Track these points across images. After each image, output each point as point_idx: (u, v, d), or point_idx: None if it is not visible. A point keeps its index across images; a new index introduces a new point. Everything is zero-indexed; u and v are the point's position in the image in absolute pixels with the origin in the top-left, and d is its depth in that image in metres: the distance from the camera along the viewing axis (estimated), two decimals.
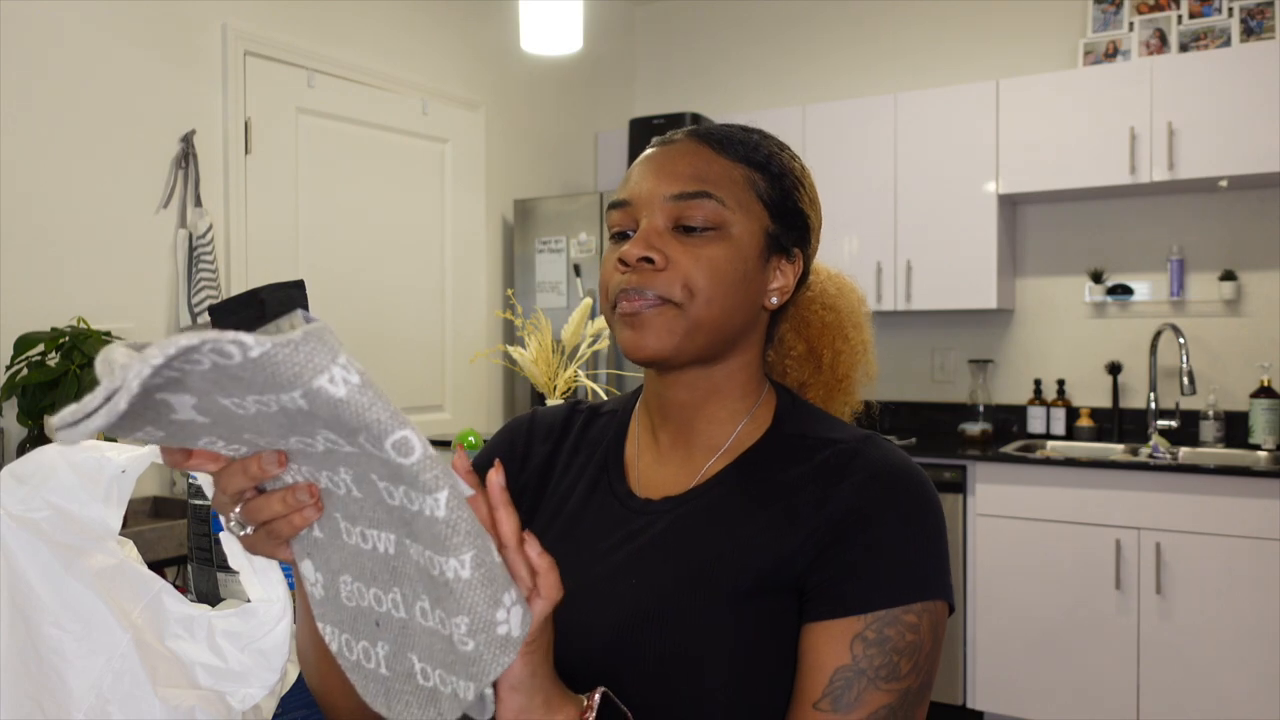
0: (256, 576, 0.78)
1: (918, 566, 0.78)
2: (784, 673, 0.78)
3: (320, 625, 0.64)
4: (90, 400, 0.48)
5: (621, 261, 0.84)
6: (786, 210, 0.89)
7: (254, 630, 0.75)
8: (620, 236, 0.88)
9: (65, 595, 0.64)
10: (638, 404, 0.98)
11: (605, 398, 1.09)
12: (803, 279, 0.93)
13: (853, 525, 0.78)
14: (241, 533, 0.62)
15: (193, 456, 0.60)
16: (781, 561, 0.79)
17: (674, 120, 4.05)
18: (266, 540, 0.63)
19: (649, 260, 0.83)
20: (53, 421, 0.48)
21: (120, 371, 0.48)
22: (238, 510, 0.62)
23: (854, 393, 1.03)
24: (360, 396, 0.53)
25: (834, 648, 0.75)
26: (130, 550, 0.83)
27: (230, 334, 0.49)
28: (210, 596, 1.10)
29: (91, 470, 0.67)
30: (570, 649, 0.78)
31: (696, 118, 4.05)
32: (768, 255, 0.88)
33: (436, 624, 0.60)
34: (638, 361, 0.86)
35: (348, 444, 0.57)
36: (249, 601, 0.77)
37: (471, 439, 2.02)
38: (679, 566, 0.82)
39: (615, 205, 0.88)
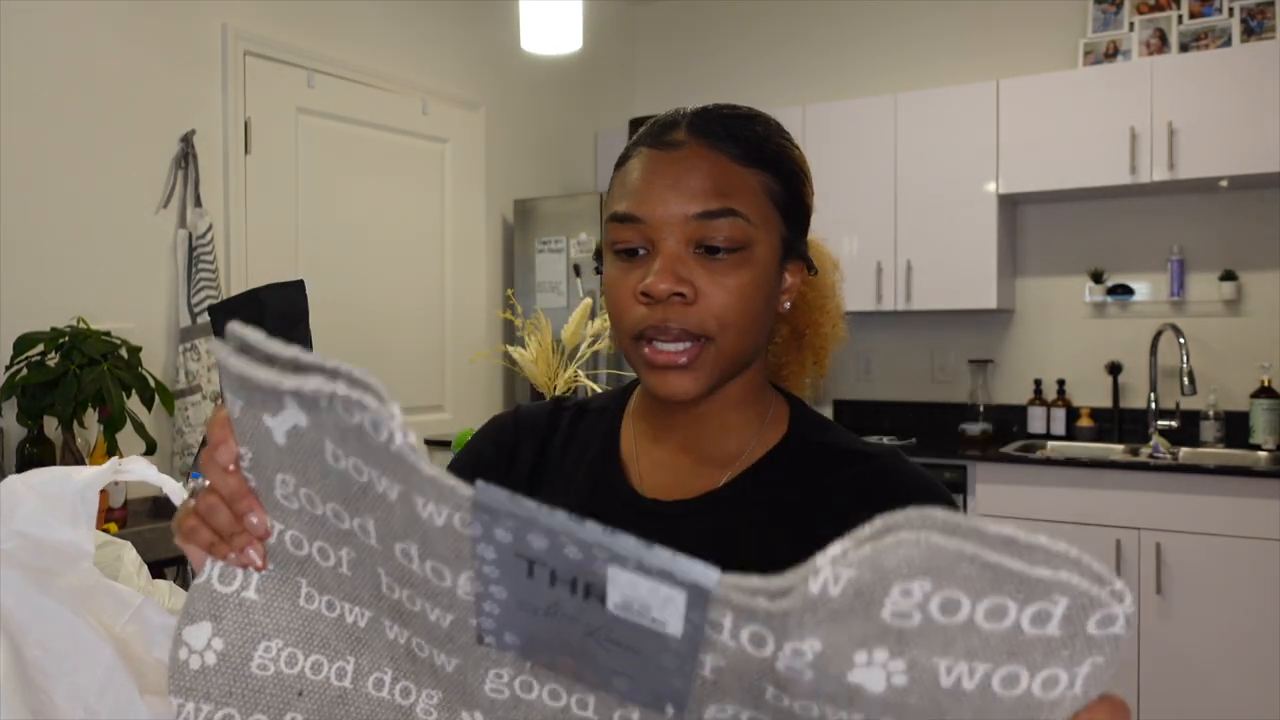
0: None
1: None
2: None
3: (176, 700, 0.57)
4: (279, 348, 0.50)
5: (645, 294, 0.77)
6: (797, 210, 0.84)
7: None
8: (628, 253, 0.80)
9: (43, 616, 0.64)
10: (631, 403, 0.93)
11: (596, 392, 1.06)
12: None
13: None
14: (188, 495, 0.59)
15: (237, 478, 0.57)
16: None
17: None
18: (188, 530, 0.58)
19: (679, 294, 0.77)
20: (234, 328, 0.51)
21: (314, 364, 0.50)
22: (196, 496, 0.59)
23: (825, 363, 0.97)
24: (452, 540, 0.51)
25: None
26: (128, 551, 0.83)
27: (399, 419, 0.49)
28: None
29: (54, 493, 0.66)
30: None
31: None
32: (783, 263, 0.83)
33: (396, 697, 0.57)
34: (672, 403, 0.82)
35: (379, 543, 0.54)
36: None
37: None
38: None
39: (623, 219, 0.79)
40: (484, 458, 0.95)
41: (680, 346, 0.78)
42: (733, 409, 0.86)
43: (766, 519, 0.80)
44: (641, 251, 0.80)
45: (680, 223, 0.78)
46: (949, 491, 0.82)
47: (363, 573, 0.56)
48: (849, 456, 0.83)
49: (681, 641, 0.49)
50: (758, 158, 0.81)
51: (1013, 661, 0.44)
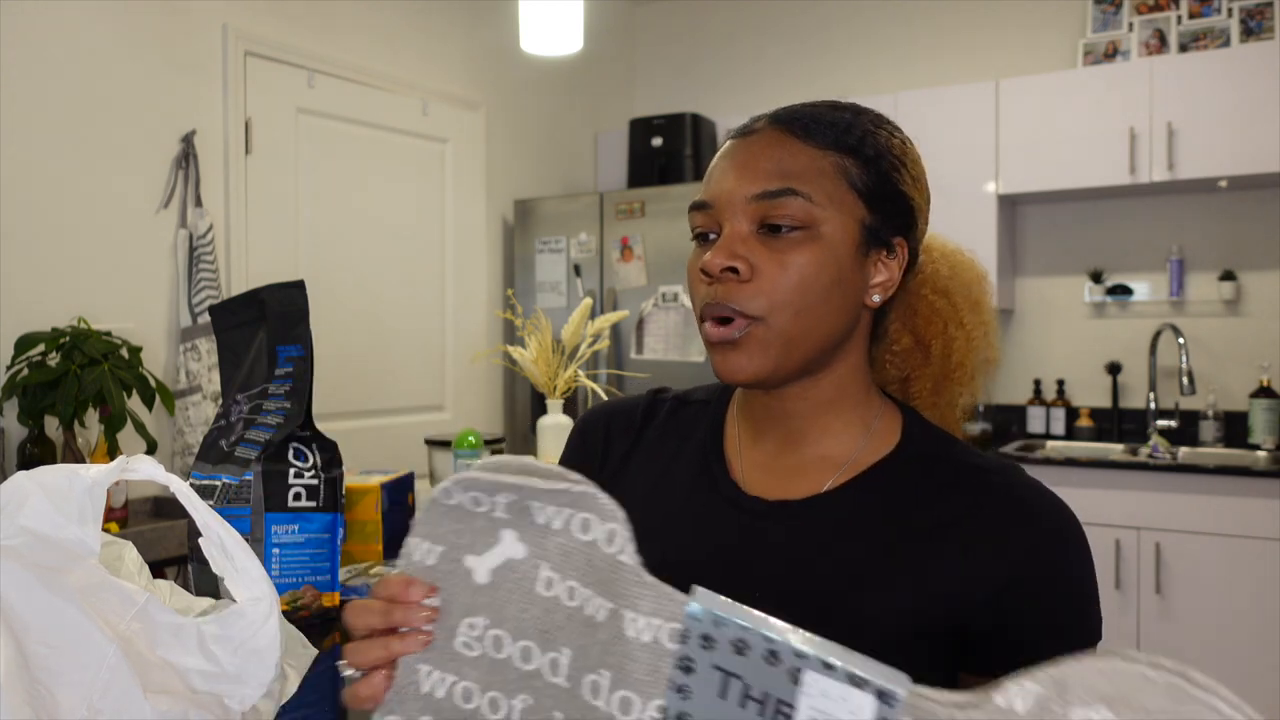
0: (240, 576, 0.77)
1: (1097, 606, 0.79)
2: None
3: None
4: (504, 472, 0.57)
5: (704, 272, 0.79)
6: (885, 196, 0.82)
7: (243, 632, 0.74)
8: (703, 238, 0.82)
9: (48, 613, 0.64)
10: (733, 401, 0.91)
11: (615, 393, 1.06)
12: (909, 266, 0.85)
13: (1044, 579, 0.76)
14: (348, 672, 0.61)
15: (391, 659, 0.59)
16: (942, 597, 0.75)
17: (674, 120, 4.05)
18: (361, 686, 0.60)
19: (733, 270, 0.77)
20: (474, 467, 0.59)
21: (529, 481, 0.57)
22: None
23: (969, 383, 0.92)
24: (652, 657, 0.53)
25: None
26: (130, 551, 0.83)
27: (623, 535, 0.54)
28: (212, 595, 1.10)
29: (62, 490, 0.67)
30: None
31: (696, 118, 4.05)
32: (865, 250, 0.81)
33: None
34: (734, 385, 0.81)
35: (569, 679, 0.55)
36: (235, 602, 0.77)
37: (471, 439, 2.02)
38: (811, 580, 0.78)
39: (696, 206, 0.82)
40: (577, 458, 0.95)
41: (732, 324, 0.79)
42: (829, 410, 0.84)
43: (877, 527, 0.79)
44: (712, 236, 0.82)
45: (742, 203, 0.79)
46: (1068, 506, 0.81)
47: None
48: (964, 470, 0.81)
49: None
50: (834, 140, 0.81)
51: None
